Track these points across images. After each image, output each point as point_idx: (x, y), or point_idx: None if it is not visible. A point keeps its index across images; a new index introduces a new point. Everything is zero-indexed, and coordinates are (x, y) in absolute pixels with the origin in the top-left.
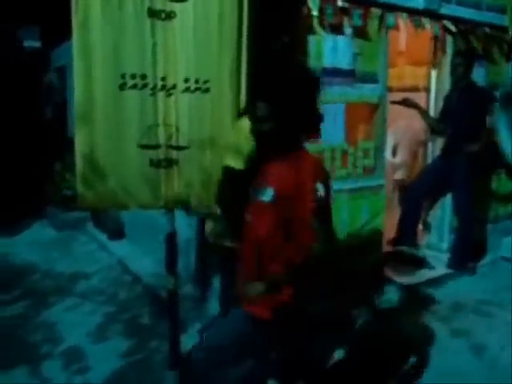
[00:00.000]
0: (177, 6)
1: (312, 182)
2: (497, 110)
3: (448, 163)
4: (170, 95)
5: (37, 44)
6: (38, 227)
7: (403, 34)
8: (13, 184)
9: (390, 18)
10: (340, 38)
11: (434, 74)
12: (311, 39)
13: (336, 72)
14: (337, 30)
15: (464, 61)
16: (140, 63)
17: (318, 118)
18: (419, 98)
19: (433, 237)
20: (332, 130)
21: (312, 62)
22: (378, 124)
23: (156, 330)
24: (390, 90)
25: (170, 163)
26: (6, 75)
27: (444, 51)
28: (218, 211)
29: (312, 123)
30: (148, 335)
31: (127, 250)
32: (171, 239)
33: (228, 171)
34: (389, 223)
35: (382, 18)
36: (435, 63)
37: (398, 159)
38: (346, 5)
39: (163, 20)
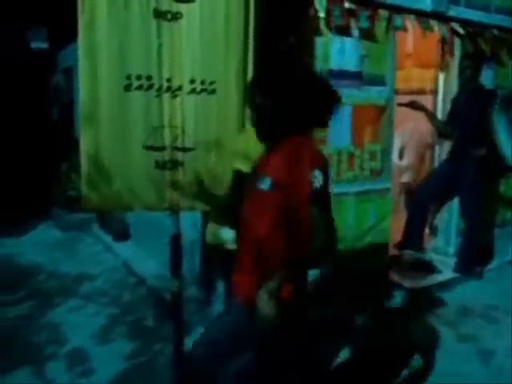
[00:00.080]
0: (183, 7)
1: (309, 169)
2: (496, 112)
3: (455, 166)
4: (175, 96)
5: (44, 45)
6: (44, 228)
7: (411, 36)
8: (19, 184)
9: (398, 20)
10: (347, 39)
11: (441, 76)
12: (318, 41)
13: (343, 74)
14: (344, 31)
15: (472, 63)
16: (146, 64)
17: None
18: (426, 100)
19: (439, 240)
20: (339, 133)
21: (319, 64)
22: (384, 126)
23: (160, 333)
24: (397, 92)
25: (175, 165)
26: (14, 76)
27: (452, 54)
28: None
29: (316, 115)
30: (152, 337)
31: (132, 251)
32: (176, 241)
33: (238, 175)
34: (395, 227)
35: (389, 20)
36: (443, 66)
37: (405, 162)
38: (353, 6)
39: (169, 21)
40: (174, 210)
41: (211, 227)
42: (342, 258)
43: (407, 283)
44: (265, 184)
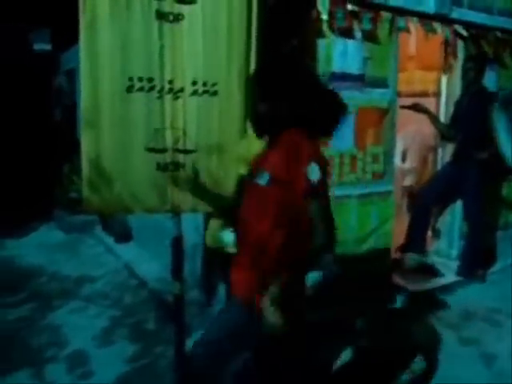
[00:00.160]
0: (185, 9)
1: (306, 164)
2: (496, 112)
3: (458, 169)
4: (177, 98)
5: (47, 47)
6: (46, 230)
7: (413, 39)
8: (21, 186)
9: (401, 22)
10: (350, 41)
11: (444, 78)
12: (321, 43)
13: (345, 76)
14: (346, 33)
15: (475, 65)
16: (147, 66)
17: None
18: (429, 102)
19: (442, 243)
20: (341, 135)
21: (321, 66)
22: (387, 129)
23: (161, 335)
24: (399, 94)
25: (176, 167)
26: (17, 77)
27: (455, 56)
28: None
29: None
30: (153, 340)
31: (134, 253)
32: (177, 244)
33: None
34: (398, 229)
35: (392, 22)
36: (446, 68)
37: (408, 165)
38: (356, 8)
39: (171, 22)
40: (176, 212)
41: (211, 230)
42: (345, 261)
43: (410, 286)
44: (263, 179)
